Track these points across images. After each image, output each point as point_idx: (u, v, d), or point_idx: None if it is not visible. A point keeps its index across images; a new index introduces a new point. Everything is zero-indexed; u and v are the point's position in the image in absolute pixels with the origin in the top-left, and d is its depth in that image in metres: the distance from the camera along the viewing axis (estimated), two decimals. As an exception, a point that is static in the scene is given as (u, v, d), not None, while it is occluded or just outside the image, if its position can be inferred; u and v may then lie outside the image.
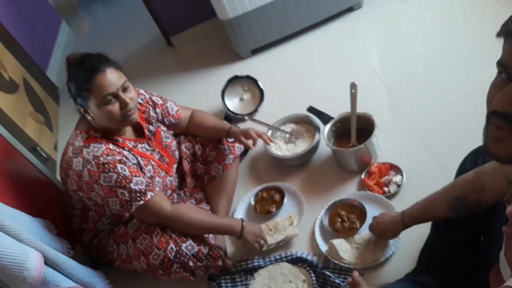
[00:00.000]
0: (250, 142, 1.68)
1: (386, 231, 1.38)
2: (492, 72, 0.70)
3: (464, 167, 1.22)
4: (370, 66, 2.23)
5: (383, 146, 1.79)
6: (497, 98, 0.65)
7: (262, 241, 1.58)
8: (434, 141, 1.76)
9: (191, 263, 1.48)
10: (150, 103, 1.65)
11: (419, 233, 1.45)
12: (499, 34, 0.66)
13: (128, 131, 1.55)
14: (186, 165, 1.77)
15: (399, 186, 1.64)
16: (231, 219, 1.62)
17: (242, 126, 1.81)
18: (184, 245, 1.48)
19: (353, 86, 1.68)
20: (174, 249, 1.46)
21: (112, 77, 1.35)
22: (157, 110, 1.67)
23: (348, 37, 2.47)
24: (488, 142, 0.70)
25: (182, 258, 1.47)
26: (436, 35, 2.26)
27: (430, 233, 1.33)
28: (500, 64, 0.67)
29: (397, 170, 1.68)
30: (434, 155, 1.70)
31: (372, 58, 2.29)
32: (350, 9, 2.62)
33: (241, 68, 2.56)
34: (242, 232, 1.53)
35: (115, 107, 1.37)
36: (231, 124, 1.75)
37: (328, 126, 1.79)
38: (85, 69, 1.33)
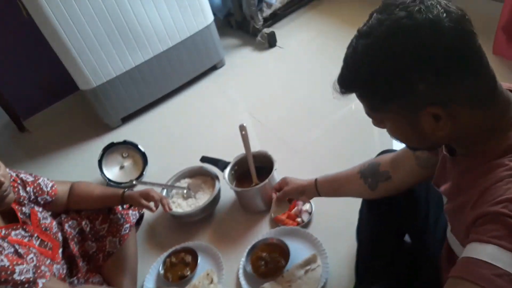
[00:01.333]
0: (151, 204, 1.49)
1: (294, 183, 1.35)
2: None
3: None
4: (247, 113, 2.29)
5: (283, 181, 1.78)
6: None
7: None
8: (326, 164, 1.82)
9: None
10: (19, 181, 1.37)
11: (347, 250, 1.44)
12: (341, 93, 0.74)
13: (-5, 217, 1.25)
14: (74, 247, 1.48)
15: (310, 213, 1.62)
16: None
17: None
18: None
19: (242, 128, 1.67)
20: None
21: None
22: (28, 188, 1.38)
23: (218, 92, 2.52)
24: None
25: None
26: (295, 76, 2.47)
27: (357, 245, 1.31)
28: None
29: (302, 199, 1.67)
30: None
31: (246, 106, 2.36)
32: (214, 68, 2.70)
33: (113, 138, 2.34)
34: None
35: None
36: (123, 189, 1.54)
37: (227, 170, 1.71)
38: None
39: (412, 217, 1.19)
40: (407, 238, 1.29)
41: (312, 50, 2.61)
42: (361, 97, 0.73)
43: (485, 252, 0.60)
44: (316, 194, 1.31)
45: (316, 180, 1.29)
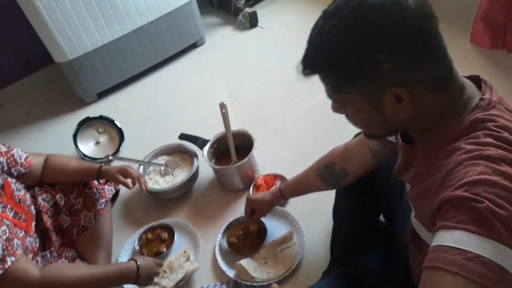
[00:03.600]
0: (128, 181, 1.47)
1: (263, 202, 1.37)
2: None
3: None
4: (227, 92, 2.27)
5: (261, 160, 1.78)
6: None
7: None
8: (305, 145, 1.84)
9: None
10: None
11: (323, 229, 1.46)
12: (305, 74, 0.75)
13: (-33, 188, 1.21)
14: (48, 220, 1.44)
15: (288, 193, 1.63)
16: (119, 264, 1.36)
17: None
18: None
19: (222, 106, 1.66)
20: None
21: None
22: (1, 159, 1.34)
23: (198, 70, 2.50)
24: None
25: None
26: (276, 58, 2.45)
27: (333, 224, 1.34)
28: None
29: (282, 178, 1.68)
30: (310, 157, 1.74)
31: (226, 85, 2.35)
32: (194, 46, 2.67)
33: (88, 114, 2.30)
34: (138, 272, 1.29)
35: None
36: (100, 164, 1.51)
37: (206, 148, 1.71)
38: None
39: (387, 198, 1.22)
40: (382, 218, 1.33)
41: (294, 32, 2.60)
42: (325, 78, 0.74)
43: (453, 238, 0.61)
44: (283, 200, 1.40)
45: (280, 191, 1.34)
